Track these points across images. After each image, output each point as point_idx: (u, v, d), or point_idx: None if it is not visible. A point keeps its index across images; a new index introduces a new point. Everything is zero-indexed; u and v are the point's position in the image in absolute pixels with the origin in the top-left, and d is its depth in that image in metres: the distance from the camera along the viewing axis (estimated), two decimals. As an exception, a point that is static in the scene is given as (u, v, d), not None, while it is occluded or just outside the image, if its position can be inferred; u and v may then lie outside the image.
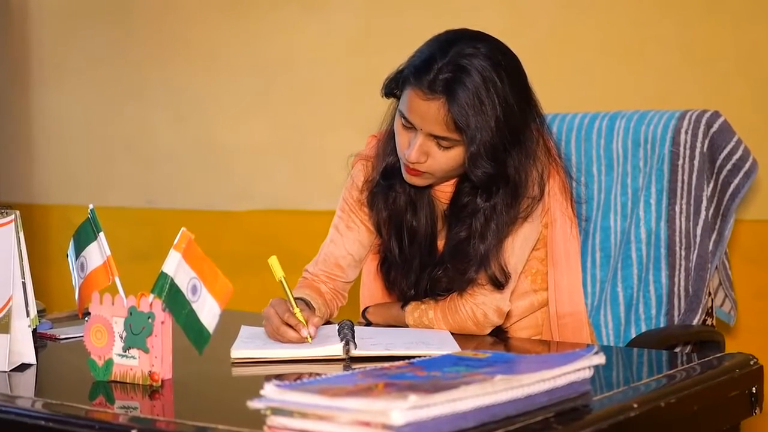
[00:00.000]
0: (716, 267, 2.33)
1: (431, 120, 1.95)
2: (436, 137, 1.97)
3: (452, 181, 2.10)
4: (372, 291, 2.27)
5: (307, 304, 2.08)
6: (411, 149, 1.99)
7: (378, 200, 2.15)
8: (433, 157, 1.99)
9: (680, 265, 2.27)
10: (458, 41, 1.97)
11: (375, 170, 2.16)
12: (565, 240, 2.16)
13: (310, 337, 1.88)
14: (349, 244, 2.21)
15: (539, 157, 2.07)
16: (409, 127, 1.99)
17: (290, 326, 1.89)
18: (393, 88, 2.04)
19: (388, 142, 2.12)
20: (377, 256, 2.22)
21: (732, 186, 2.28)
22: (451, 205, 2.11)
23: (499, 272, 2.03)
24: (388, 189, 2.13)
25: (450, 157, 1.99)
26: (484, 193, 2.03)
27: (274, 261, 1.92)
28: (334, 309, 2.24)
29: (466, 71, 1.93)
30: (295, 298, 2.01)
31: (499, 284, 2.04)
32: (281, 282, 1.91)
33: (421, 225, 2.13)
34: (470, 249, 2.04)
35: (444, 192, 2.13)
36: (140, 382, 1.60)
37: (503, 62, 1.97)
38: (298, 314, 1.90)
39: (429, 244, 2.14)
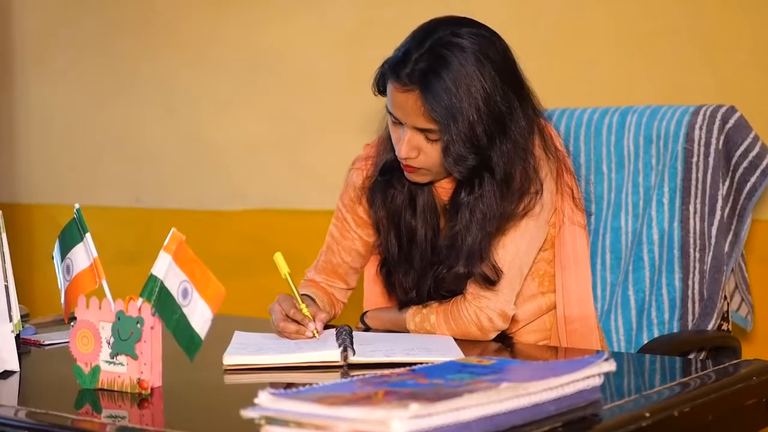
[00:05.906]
0: (732, 269, 2.33)
1: (411, 113, 1.95)
2: (421, 130, 1.97)
3: (452, 177, 2.08)
4: (371, 294, 2.27)
5: (314, 301, 2.12)
6: (401, 144, 1.99)
7: (376, 198, 2.14)
8: (424, 152, 1.99)
9: (694, 267, 2.27)
10: (438, 29, 1.96)
11: (374, 168, 2.15)
12: (574, 242, 2.14)
13: (317, 332, 1.92)
14: (344, 253, 2.22)
15: (530, 150, 2.04)
16: (397, 122, 2.00)
17: (296, 321, 1.93)
18: (381, 84, 2.03)
19: (387, 140, 2.11)
20: (378, 257, 2.21)
21: (748, 184, 2.28)
22: (449, 201, 2.10)
23: (489, 269, 2.00)
24: (387, 186, 2.12)
25: (440, 150, 1.97)
26: (467, 186, 2.01)
27: (279, 257, 1.97)
28: (338, 311, 2.25)
29: (442, 60, 1.92)
30: (301, 295, 2.01)
31: (490, 282, 2.00)
32: (286, 278, 1.95)
33: (421, 223, 2.12)
34: (459, 244, 2.03)
35: (445, 188, 2.11)
36: (128, 390, 1.59)
37: (486, 49, 1.95)
38: (305, 310, 1.94)
39: (430, 243, 2.12)
